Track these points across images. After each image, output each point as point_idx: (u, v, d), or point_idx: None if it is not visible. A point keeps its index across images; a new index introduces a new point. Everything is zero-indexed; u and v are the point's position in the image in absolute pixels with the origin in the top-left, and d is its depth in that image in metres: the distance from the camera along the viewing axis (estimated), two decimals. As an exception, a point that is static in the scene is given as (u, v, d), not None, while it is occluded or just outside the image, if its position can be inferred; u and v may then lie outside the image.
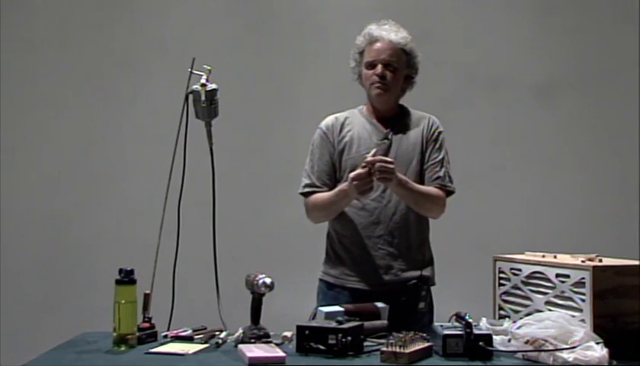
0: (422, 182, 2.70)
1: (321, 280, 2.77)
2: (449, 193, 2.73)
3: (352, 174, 2.51)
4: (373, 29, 2.73)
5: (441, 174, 2.70)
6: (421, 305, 2.68)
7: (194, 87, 2.52)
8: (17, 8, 4.24)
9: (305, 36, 4.22)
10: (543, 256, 2.32)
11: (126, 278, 2.21)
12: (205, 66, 2.53)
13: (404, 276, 2.66)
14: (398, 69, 2.70)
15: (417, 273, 2.68)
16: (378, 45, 2.70)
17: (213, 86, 2.52)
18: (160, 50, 4.19)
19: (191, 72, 2.53)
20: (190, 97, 2.53)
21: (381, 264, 2.65)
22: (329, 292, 2.71)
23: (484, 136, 4.15)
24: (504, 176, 4.15)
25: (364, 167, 2.48)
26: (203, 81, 2.52)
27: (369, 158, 2.49)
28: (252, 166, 4.15)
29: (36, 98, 4.23)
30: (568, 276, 2.14)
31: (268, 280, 2.23)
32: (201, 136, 2.56)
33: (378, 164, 2.47)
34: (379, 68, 2.68)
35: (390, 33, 2.71)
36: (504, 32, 4.24)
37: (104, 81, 4.22)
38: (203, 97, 2.50)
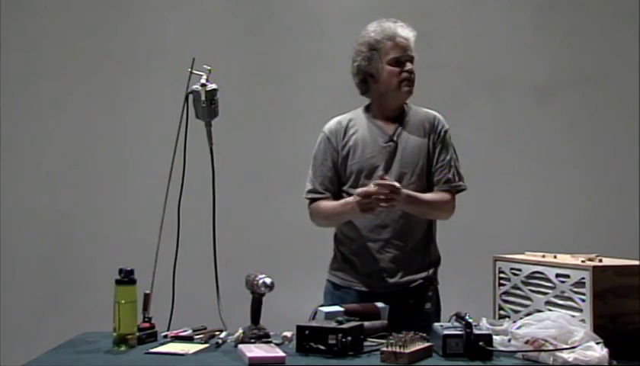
0: (429, 182, 2.68)
1: (328, 280, 2.75)
2: (460, 190, 2.71)
3: (357, 192, 2.50)
4: (391, 26, 2.66)
5: (450, 175, 2.68)
6: (428, 305, 2.66)
7: (194, 87, 2.52)
8: (18, 7, 4.24)
9: (305, 36, 4.22)
10: (543, 256, 2.31)
11: (126, 278, 2.21)
12: (205, 66, 2.53)
13: (410, 278, 2.65)
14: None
15: (423, 274, 2.67)
16: (401, 41, 2.64)
17: (213, 86, 2.52)
18: (160, 50, 4.18)
19: (191, 72, 2.53)
20: (190, 97, 2.53)
21: (387, 266, 2.63)
22: (336, 292, 2.69)
23: (484, 136, 4.15)
24: (504, 176, 4.15)
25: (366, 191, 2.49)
26: (203, 81, 2.52)
27: (372, 189, 2.48)
28: (252, 166, 4.15)
29: (36, 98, 4.23)
30: (568, 276, 2.14)
31: (268, 281, 2.24)
32: (201, 136, 2.56)
33: (380, 192, 2.46)
34: (409, 65, 2.64)
35: (406, 29, 2.67)
36: (504, 32, 4.24)
37: (103, 82, 4.23)
38: (203, 97, 2.50)
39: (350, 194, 2.64)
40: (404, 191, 2.53)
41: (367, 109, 2.76)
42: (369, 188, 2.49)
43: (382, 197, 2.48)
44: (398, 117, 2.71)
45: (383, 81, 2.66)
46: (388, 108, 2.71)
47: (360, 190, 2.52)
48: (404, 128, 2.69)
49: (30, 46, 4.24)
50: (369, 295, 2.60)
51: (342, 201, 2.64)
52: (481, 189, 3.84)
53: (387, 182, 2.49)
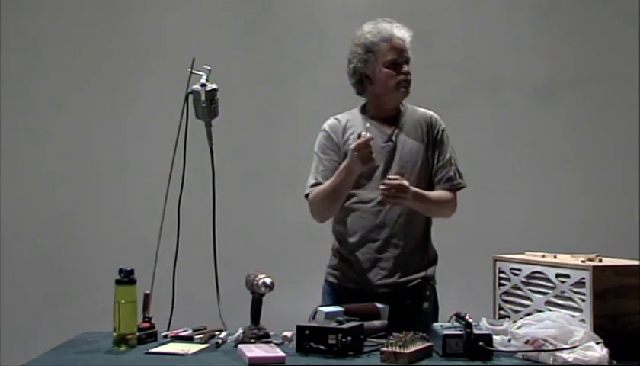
0: (428, 182, 2.68)
1: (326, 281, 2.75)
2: (461, 188, 2.72)
3: (352, 146, 2.50)
4: (387, 27, 2.65)
5: (451, 173, 2.69)
6: (425, 305, 2.66)
7: (194, 87, 2.52)
8: (18, 7, 4.24)
9: (305, 36, 4.22)
10: (543, 256, 2.31)
11: (126, 278, 2.21)
12: (205, 66, 2.53)
13: (408, 278, 2.64)
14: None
15: (420, 274, 2.67)
16: (398, 43, 2.64)
17: (213, 86, 2.52)
18: (160, 51, 4.19)
19: (191, 72, 2.54)
20: (190, 97, 2.53)
21: (386, 266, 2.63)
22: (334, 293, 2.69)
23: (484, 136, 4.15)
24: (504, 176, 4.15)
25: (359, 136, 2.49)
26: (203, 81, 2.52)
27: (386, 183, 2.49)
28: (252, 166, 4.15)
29: (36, 98, 4.23)
30: (568, 276, 2.14)
31: (268, 281, 2.24)
32: (201, 136, 2.56)
33: (391, 187, 2.47)
34: (406, 67, 2.65)
35: (402, 30, 2.66)
36: (504, 32, 4.24)
37: (104, 82, 4.23)
38: (203, 97, 2.51)
39: (350, 194, 2.64)
40: (412, 188, 2.52)
41: (363, 109, 2.76)
42: (360, 140, 2.48)
43: (388, 192, 2.47)
44: (395, 117, 2.72)
45: (380, 83, 2.66)
46: (384, 108, 2.71)
47: (353, 145, 2.50)
48: (402, 128, 2.70)
49: (30, 46, 4.24)
50: (366, 295, 2.58)
51: (337, 171, 2.60)
52: (481, 189, 3.86)
53: (394, 182, 2.48)
